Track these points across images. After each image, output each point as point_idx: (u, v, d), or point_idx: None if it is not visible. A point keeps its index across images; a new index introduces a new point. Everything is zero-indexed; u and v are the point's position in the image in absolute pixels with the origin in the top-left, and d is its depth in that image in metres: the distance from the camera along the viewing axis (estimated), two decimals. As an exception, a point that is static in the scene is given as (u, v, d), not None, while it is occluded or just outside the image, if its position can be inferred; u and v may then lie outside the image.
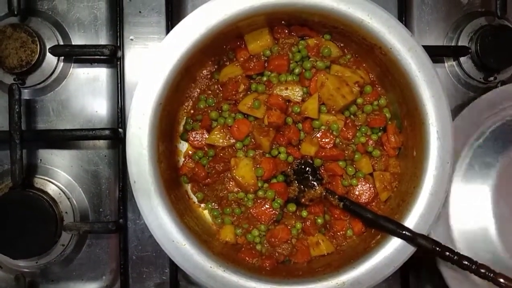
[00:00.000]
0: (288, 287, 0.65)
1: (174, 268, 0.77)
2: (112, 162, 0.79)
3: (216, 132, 0.73)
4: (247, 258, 0.72)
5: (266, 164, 0.72)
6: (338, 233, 0.75)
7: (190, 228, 0.68)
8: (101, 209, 0.79)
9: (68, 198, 0.77)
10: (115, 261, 0.79)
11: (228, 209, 0.74)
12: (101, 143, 0.79)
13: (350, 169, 0.74)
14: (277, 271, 0.71)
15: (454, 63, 0.83)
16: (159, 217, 0.65)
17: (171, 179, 0.71)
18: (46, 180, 0.77)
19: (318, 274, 0.68)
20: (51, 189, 0.77)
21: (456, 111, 0.82)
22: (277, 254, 0.73)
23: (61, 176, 0.78)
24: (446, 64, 0.84)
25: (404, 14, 0.79)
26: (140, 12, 0.79)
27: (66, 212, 0.76)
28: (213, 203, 0.76)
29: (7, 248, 0.71)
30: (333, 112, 0.73)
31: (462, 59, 0.82)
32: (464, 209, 0.73)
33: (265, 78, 0.74)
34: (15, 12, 0.74)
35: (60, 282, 0.79)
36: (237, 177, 0.72)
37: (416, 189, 0.68)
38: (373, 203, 0.75)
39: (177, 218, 0.66)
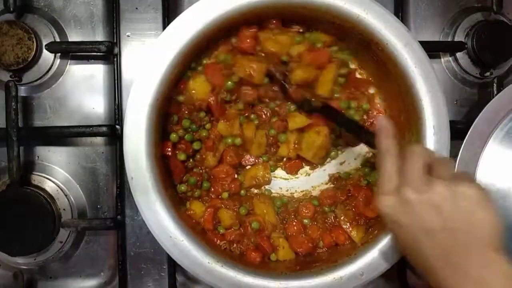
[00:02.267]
0: (285, 282, 0.66)
1: (172, 264, 0.77)
2: (110, 159, 0.79)
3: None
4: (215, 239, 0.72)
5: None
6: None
7: (188, 224, 0.68)
8: (99, 206, 0.79)
9: (66, 195, 0.77)
10: (113, 258, 0.79)
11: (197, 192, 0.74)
12: (98, 140, 0.79)
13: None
14: (274, 267, 0.71)
15: (450, 58, 0.83)
16: (156, 213, 0.65)
17: (168, 175, 0.71)
18: (44, 177, 0.77)
19: (315, 268, 0.68)
20: (49, 186, 0.77)
21: (451, 106, 0.83)
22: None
23: (58, 173, 0.78)
24: (442, 59, 0.84)
25: (400, 10, 0.79)
26: (136, 8, 0.79)
27: (63, 209, 0.76)
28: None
29: (5, 245, 0.71)
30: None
31: (458, 54, 0.82)
32: (495, 169, 0.74)
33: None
34: (11, 9, 0.73)
35: (59, 279, 0.79)
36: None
37: (412, 183, 0.68)
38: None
39: (174, 214, 0.66)
